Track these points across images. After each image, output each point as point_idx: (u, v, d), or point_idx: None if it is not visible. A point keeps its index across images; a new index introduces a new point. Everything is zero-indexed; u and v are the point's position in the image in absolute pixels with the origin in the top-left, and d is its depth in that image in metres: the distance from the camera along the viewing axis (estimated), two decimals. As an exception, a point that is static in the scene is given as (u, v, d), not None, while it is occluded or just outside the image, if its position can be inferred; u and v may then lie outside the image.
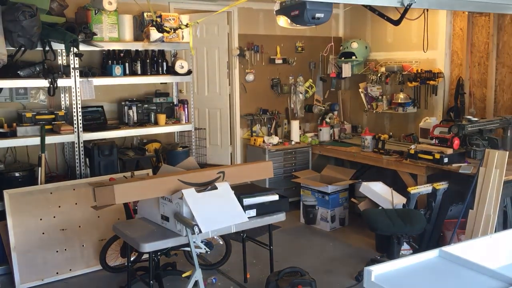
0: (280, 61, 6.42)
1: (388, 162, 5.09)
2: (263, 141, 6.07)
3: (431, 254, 1.92)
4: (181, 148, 5.39)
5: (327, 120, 6.51)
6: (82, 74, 4.59)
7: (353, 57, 6.32)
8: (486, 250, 2.11)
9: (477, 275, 1.77)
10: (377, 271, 1.78)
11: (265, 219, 3.54)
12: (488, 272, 1.76)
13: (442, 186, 4.43)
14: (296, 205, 6.16)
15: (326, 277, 4.17)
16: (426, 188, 4.47)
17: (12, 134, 4.39)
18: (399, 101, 5.87)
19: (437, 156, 4.54)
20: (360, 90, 6.40)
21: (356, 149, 5.67)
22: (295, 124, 6.29)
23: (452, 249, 1.95)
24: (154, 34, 4.74)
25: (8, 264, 4.13)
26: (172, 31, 4.67)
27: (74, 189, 4.40)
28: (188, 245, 3.14)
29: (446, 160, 4.49)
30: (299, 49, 6.60)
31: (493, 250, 2.13)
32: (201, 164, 6.11)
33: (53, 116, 4.67)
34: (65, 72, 4.61)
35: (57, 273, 4.16)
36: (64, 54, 4.66)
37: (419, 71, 5.66)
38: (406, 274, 1.81)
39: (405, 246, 4.43)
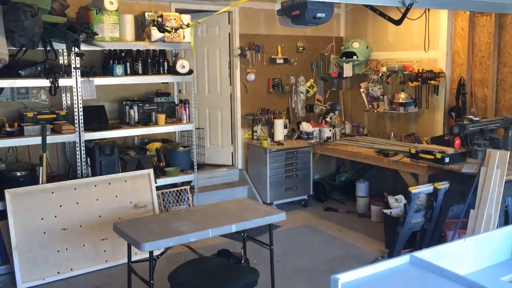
0: (281, 61, 6.42)
1: (389, 162, 5.08)
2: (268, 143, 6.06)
3: (402, 260, 1.86)
4: (182, 148, 5.40)
5: (327, 119, 6.51)
6: (83, 74, 4.58)
7: (354, 57, 6.32)
8: (458, 255, 2.07)
9: (447, 282, 1.71)
10: (344, 278, 1.70)
11: (266, 218, 3.53)
12: (458, 279, 1.69)
13: (443, 185, 4.42)
14: (297, 205, 6.17)
15: (326, 277, 4.16)
16: (427, 188, 4.45)
17: (19, 133, 4.41)
18: (400, 100, 5.86)
19: (438, 155, 4.53)
20: (361, 90, 6.40)
21: (358, 149, 5.67)
22: (279, 123, 6.28)
23: (424, 254, 1.89)
24: (155, 34, 4.74)
25: (10, 264, 4.13)
26: (173, 31, 4.66)
27: (75, 189, 4.40)
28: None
29: (447, 160, 4.48)
30: (300, 49, 6.60)
31: (465, 255, 2.09)
32: (200, 164, 6.12)
33: (54, 115, 4.67)
34: (66, 71, 4.61)
35: (58, 272, 4.17)
36: (65, 53, 4.67)
37: (421, 70, 5.65)
38: (374, 282, 1.74)
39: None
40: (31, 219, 4.13)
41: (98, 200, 4.47)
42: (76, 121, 4.56)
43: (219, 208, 3.84)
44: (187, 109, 5.35)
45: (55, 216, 4.24)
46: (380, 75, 6.10)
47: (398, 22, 3.61)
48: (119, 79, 4.85)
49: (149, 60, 5.06)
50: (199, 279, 3.06)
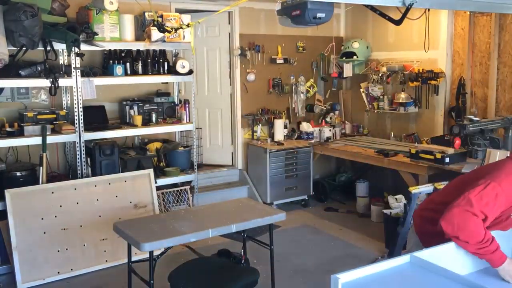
0: (281, 61, 6.41)
1: (390, 162, 5.08)
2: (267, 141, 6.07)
3: (402, 260, 1.86)
4: (182, 148, 5.40)
5: (327, 119, 6.51)
6: (84, 74, 4.59)
7: (355, 57, 6.32)
8: (459, 255, 2.07)
9: (447, 282, 1.71)
10: (344, 278, 1.70)
11: (266, 218, 3.53)
12: (458, 279, 1.70)
13: (443, 185, 4.42)
14: (297, 205, 6.17)
15: (326, 277, 4.16)
16: (427, 188, 4.44)
17: (19, 133, 4.41)
18: (400, 100, 5.86)
19: (439, 156, 4.53)
20: (361, 90, 6.40)
21: (358, 149, 5.67)
22: (279, 123, 6.28)
23: (424, 254, 1.90)
24: (155, 34, 4.74)
25: (10, 264, 4.13)
26: (173, 31, 4.66)
27: (75, 189, 4.40)
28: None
29: (447, 160, 4.48)
30: (300, 49, 6.60)
31: (465, 255, 2.09)
32: (200, 164, 6.12)
33: (54, 115, 4.67)
34: (67, 71, 4.61)
35: (58, 272, 4.17)
36: (65, 54, 4.67)
37: (421, 70, 5.65)
38: (374, 282, 1.74)
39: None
40: (31, 219, 4.13)
41: (98, 200, 4.47)
42: (76, 121, 4.56)
43: (219, 208, 3.84)
44: (187, 109, 5.35)
45: (55, 216, 4.24)
46: (380, 75, 6.10)
47: (398, 22, 3.61)
48: (119, 79, 4.85)
49: (149, 60, 5.06)
50: (199, 279, 3.06)
